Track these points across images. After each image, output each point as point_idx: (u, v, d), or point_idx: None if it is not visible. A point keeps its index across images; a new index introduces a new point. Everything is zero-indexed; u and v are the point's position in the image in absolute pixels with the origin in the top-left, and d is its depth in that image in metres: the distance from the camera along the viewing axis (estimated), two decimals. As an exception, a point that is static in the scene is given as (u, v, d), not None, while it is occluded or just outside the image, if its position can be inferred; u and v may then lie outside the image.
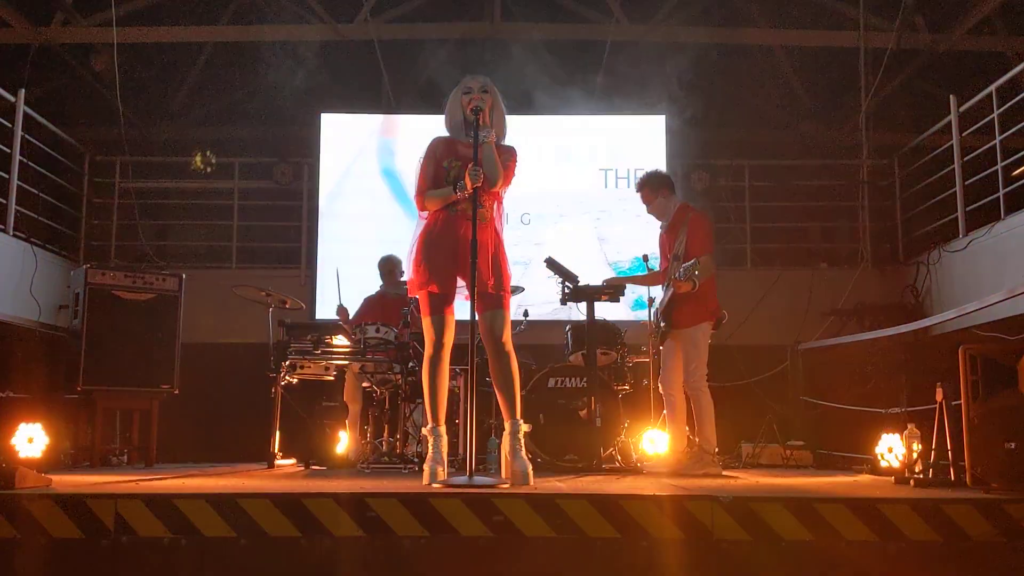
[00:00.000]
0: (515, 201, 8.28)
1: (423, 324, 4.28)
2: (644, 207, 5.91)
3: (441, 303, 4.23)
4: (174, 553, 3.24)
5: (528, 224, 8.77)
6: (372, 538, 3.25)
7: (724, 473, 5.55)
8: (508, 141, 4.43)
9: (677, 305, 5.54)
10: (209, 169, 5.92)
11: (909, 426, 4.66)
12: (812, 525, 3.24)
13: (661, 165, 8.70)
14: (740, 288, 8.39)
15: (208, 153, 5.32)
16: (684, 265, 5.30)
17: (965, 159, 7.62)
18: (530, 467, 4.09)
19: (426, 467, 4.11)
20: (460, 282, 4.26)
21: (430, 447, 4.18)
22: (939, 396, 4.23)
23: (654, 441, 6.00)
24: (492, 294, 4.19)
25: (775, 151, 10.13)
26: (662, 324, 5.66)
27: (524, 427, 4.23)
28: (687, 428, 5.67)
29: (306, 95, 8.89)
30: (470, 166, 4.09)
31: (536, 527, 3.26)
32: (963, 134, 7.66)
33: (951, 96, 7.75)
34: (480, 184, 4.08)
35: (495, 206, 4.35)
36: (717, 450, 5.53)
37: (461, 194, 4.15)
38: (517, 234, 8.46)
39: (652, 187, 5.81)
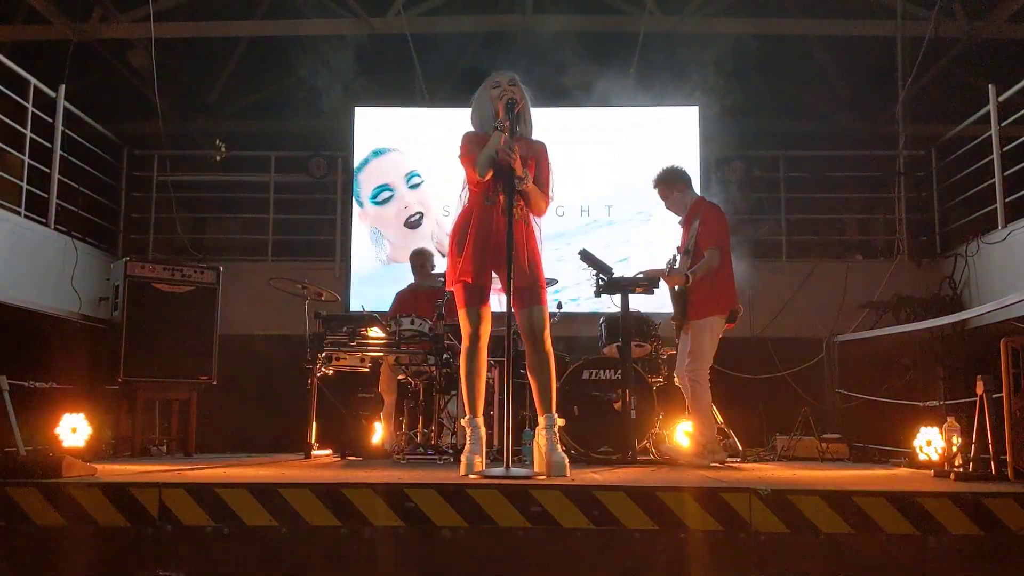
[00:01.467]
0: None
1: (459, 316, 4.31)
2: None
3: (476, 295, 4.25)
4: (217, 541, 3.30)
5: (583, 216, 8.81)
6: (410, 528, 3.29)
7: (737, 464, 5.68)
8: (536, 135, 4.49)
9: (689, 297, 5.67)
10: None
11: (949, 419, 4.62)
12: (851, 518, 3.23)
13: (695, 156, 8.67)
14: (775, 280, 8.35)
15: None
16: (669, 261, 5.60)
17: (1004, 149, 7.52)
18: (567, 459, 4.11)
19: (463, 458, 4.14)
20: (495, 275, 4.28)
21: (467, 438, 4.21)
22: (980, 389, 4.19)
23: (688, 433, 6.00)
24: (529, 289, 4.21)
25: (810, 142, 10.05)
26: (678, 316, 5.79)
27: (559, 421, 4.26)
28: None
29: (340, 89, 8.93)
30: (503, 137, 4.11)
31: (573, 518, 3.28)
32: (1002, 124, 7.55)
33: (990, 85, 7.63)
34: (513, 157, 4.09)
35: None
36: (721, 439, 5.63)
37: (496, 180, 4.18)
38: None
39: (668, 183, 5.95)
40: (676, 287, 5.71)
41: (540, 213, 4.38)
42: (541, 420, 4.23)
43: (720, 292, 5.64)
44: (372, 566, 3.28)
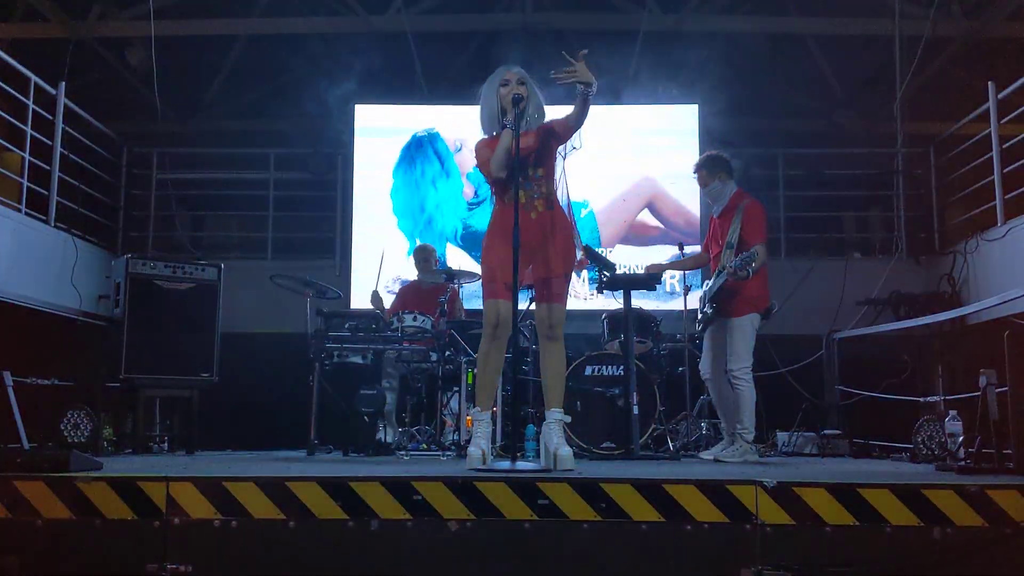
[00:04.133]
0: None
1: (484, 308, 4.33)
2: (700, 188, 5.93)
3: (498, 290, 4.26)
4: (224, 534, 3.31)
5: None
6: (417, 521, 3.30)
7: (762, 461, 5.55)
8: None
9: (728, 294, 5.45)
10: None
11: (951, 413, 4.64)
12: (856, 510, 3.24)
13: (694, 154, 8.66)
14: (774, 277, 8.21)
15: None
16: (741, 256, 5.21)
17: (1004, 146, 7.53)
18: (572, 453, 4.13)
19: (470, 451, 4.15)
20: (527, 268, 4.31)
21: (474, 431, 4.22)
22: (983, 383, 4.21)
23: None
24: (552, 282, 4.26)
25: (809, 140, 10.07)
26: (708, 310, 5.59)
27: (565, 417, 4.28)
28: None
29: (339, 86, 8.93)
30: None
31: (581, 511, 3.29)
32: (1001, 122, 7.57)
33: (989, 83, 7.64)
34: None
35: (551, 186, 4.42)
36: (753, 441, 5.51)
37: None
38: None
39: (709, 169, 5.74)
40: (723, 283, 5.44)
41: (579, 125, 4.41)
42: (548, 414, 4.24)
43: (760, 289, 5.48)
44: (379, 559, 3.29)
